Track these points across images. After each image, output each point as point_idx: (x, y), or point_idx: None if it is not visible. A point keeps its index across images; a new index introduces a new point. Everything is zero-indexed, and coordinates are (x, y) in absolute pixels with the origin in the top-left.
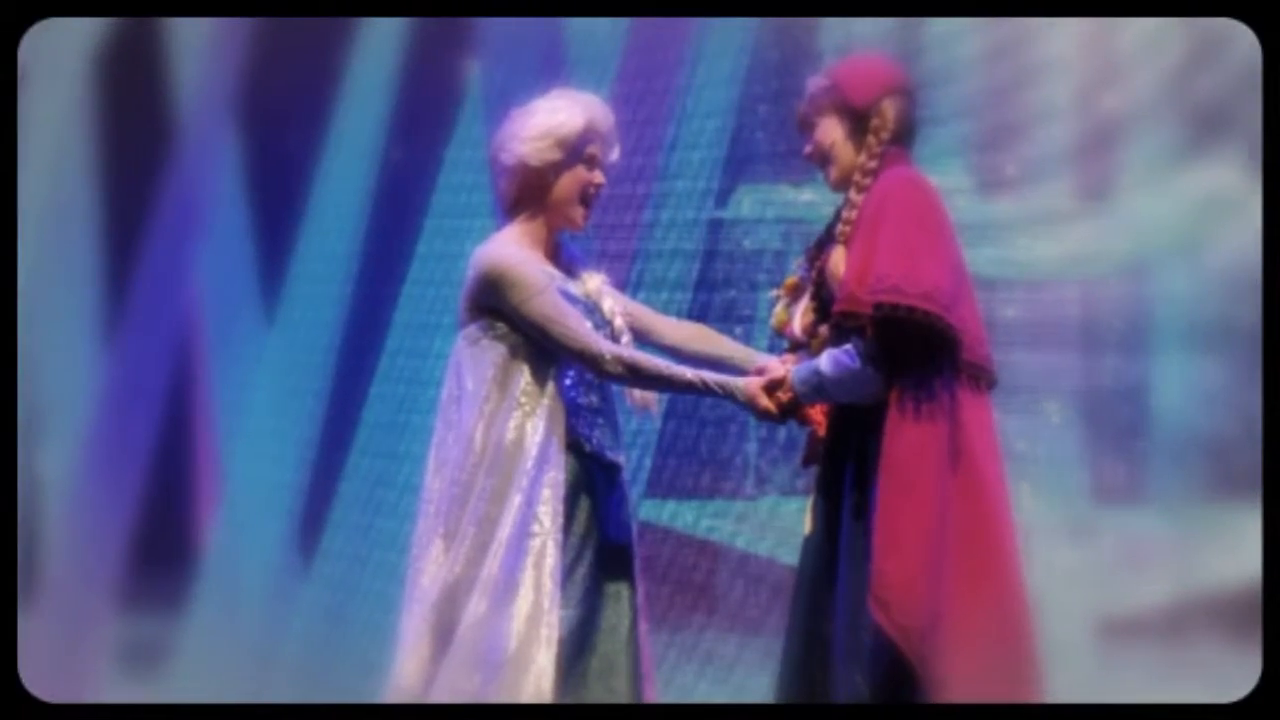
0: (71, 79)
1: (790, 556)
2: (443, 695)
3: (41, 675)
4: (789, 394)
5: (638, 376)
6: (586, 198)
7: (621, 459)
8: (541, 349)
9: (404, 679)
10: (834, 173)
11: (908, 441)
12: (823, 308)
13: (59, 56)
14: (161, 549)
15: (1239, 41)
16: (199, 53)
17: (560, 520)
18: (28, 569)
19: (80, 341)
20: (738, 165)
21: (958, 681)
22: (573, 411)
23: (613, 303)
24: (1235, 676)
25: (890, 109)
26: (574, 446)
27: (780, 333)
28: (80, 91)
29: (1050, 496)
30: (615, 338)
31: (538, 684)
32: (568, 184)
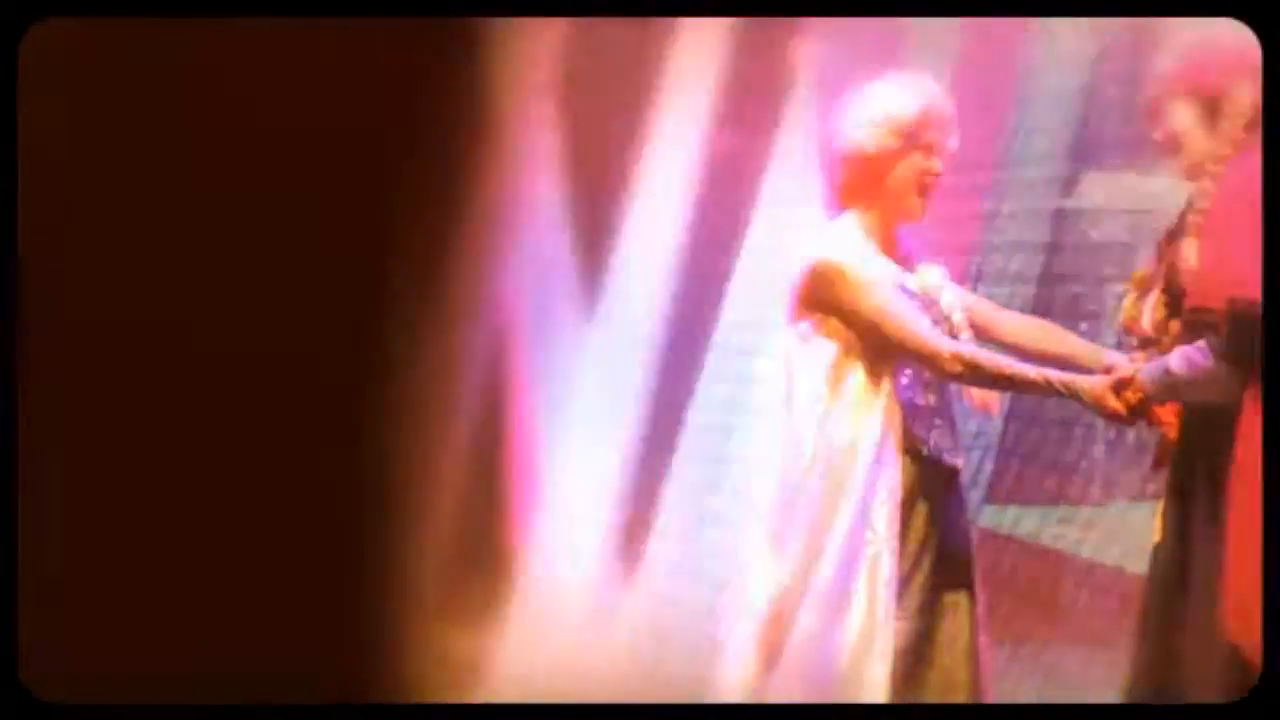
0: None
1: (1138, 566)
2: None
3: None
4: (1138, 394)
5: (978, 375)
6: (924, 187)
7: (960, 462)
8: (876, 347)
9: (730, 695)
10: (1185, 160)
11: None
12: (1174, 302)
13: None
14: (478, 556)
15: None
16: (516, 48)
17: (896, 527)
18: None
19: None
20: (1085, 151)
21: None
22: (909, 412)
23: (952, 298)
24: None
25: (1247, 94)
26: (910, 449)
27: (1129, 329)
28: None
29: None
30: (954, 334)
31: (872, 700)
32: (904, 173)
